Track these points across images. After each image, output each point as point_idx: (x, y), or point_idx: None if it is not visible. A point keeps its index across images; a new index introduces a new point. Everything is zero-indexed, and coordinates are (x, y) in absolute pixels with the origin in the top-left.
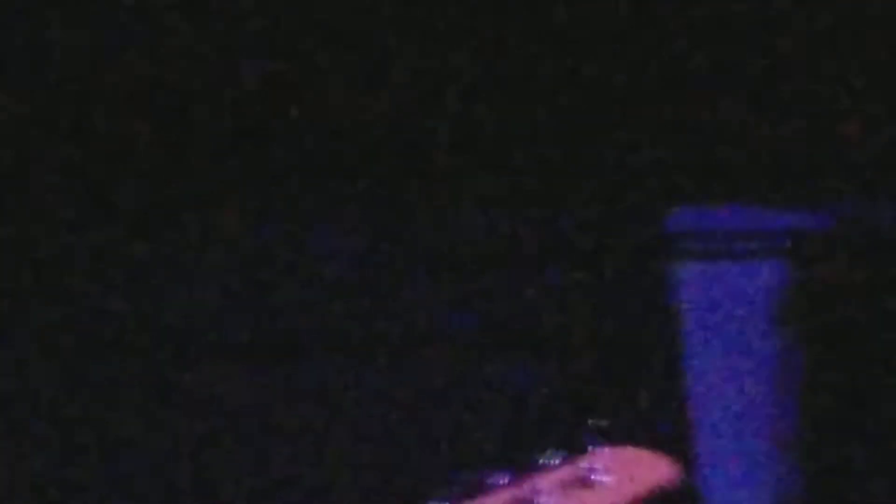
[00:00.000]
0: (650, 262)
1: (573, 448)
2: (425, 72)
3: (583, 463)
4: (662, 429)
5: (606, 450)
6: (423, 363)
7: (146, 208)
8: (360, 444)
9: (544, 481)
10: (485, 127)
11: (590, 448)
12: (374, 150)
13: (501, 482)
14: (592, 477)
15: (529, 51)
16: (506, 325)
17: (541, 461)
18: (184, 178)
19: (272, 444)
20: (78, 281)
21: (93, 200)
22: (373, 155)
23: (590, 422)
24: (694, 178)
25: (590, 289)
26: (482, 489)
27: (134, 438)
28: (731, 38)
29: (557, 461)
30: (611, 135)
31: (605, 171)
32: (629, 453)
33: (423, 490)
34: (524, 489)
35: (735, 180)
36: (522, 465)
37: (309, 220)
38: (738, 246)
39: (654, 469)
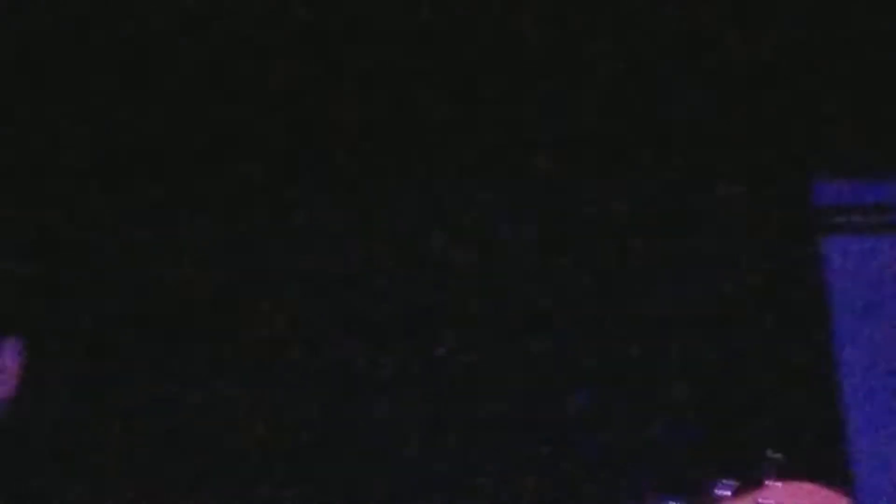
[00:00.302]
0: (798, 237)
1: (747, 479)
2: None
3: (759, 496)
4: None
5: (782, 483)
6: (585, 380)
7: None
8: (513, 466)
9: None
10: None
11: (765, 480)
12: None
13: None
14: None
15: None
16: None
17: (715, 491)
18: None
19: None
20: None
21: None
22: None
23: (767, 453)
24: (840, 151)
25: (735, 266)
26: None
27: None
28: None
29: (731, 492)
30: (755, 107)
31: (752, 146)
32: (807, 489)
33: None
34: None
35: (882, 153)
36: (696, 493)
37: None
38: (885, 220)
39: None
